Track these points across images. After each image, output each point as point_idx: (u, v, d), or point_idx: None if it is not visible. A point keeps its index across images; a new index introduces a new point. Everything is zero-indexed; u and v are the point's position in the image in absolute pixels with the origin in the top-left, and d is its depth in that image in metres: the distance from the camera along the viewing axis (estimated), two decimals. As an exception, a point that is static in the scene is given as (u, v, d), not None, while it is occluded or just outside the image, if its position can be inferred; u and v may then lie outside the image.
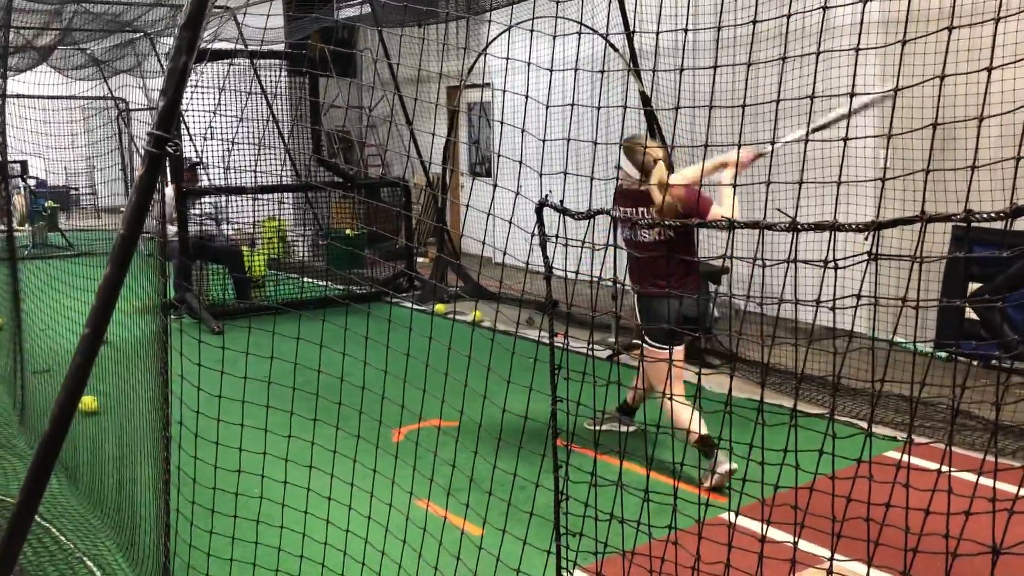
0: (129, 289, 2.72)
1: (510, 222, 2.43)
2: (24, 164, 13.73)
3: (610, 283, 6.32)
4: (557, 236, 2.25)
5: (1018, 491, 1.68)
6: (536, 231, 2.30)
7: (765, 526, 2.05)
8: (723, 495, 4.08)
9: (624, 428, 4.93)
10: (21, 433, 5.04)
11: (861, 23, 1.75)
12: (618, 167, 4.47)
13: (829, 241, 1.60)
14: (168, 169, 7.81)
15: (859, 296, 1.64)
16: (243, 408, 2.65)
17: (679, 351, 4.44)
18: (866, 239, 1.57)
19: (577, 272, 2.34)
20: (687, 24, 2.65)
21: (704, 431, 4.31)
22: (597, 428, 4.71)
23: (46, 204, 13.96)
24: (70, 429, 2.08)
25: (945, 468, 1.75)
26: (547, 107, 2.52)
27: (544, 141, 2.43)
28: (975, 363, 6.09)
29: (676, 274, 4.49)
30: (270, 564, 2.99)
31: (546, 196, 2.31)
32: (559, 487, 2.43)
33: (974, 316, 6.26)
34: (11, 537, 2.06)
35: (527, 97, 2.54)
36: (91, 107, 14.39)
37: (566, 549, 2.48)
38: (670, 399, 3.81)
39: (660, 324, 4.36)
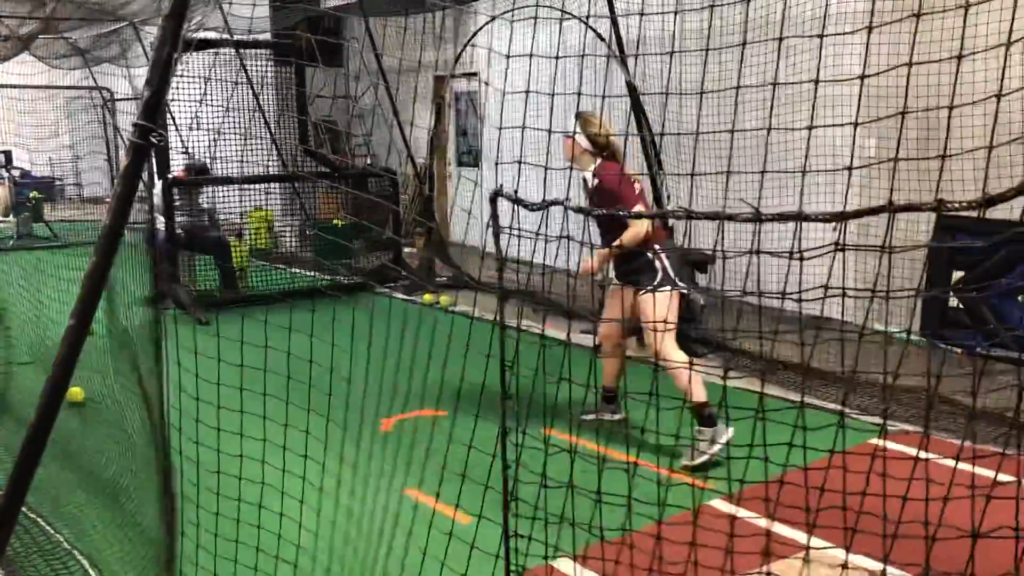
0: (117, 280, 2.72)
1: (493, 214, 2.44)
2: (8, 154, 13.63)
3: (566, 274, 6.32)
4: (510, 226, 2.26)
5: (996, 476, 1.71)
6: (491, 221, 2.32)
7: (734, 511, 2.07)
8: (701, 480, 4.10)
9: (613, 417, 4.96)
10: (5, 424, 5.02)
11: (826, 15, 1.76)
12: (572, 134, 4.67)
13: (796, 231, 1.61)
14: (155, 160, 7.78)
15: (827, 287, 1.65)
16: (242, 397, 2.65)
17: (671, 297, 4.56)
18: (834, 229, 1.58)
19: (531, 263, 2.35)
20: (677, 8, 2.66)
21: (705, 396, 4.37)
22: (578, 421, 4.73)
23: (30, 195, 13.87)
24: (56, 419, 2.09)
25: (924, 454, 1.77)
26: (526, 93, 2.52)
27: (523, 129, 2.44)
28: (957, 350, 6.14)
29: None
30: (250, 561, 2.99)
31: (500, 186, 2.33)
32: (508, 487, 2.42)
33: (957, 304, 6.31)
34: (-2, 528, 2.06)
35: (504, 92, 2.55)
36: (75, 97, 14.28)
37: (521, 540, 2.47)
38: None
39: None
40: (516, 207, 2.27)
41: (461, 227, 9.71)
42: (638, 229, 4.49)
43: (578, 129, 4.68)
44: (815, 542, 2.06)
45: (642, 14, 2.21)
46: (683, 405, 4.24)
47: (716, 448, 4.28)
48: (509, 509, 2.39)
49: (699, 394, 4.36)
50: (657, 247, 4.58)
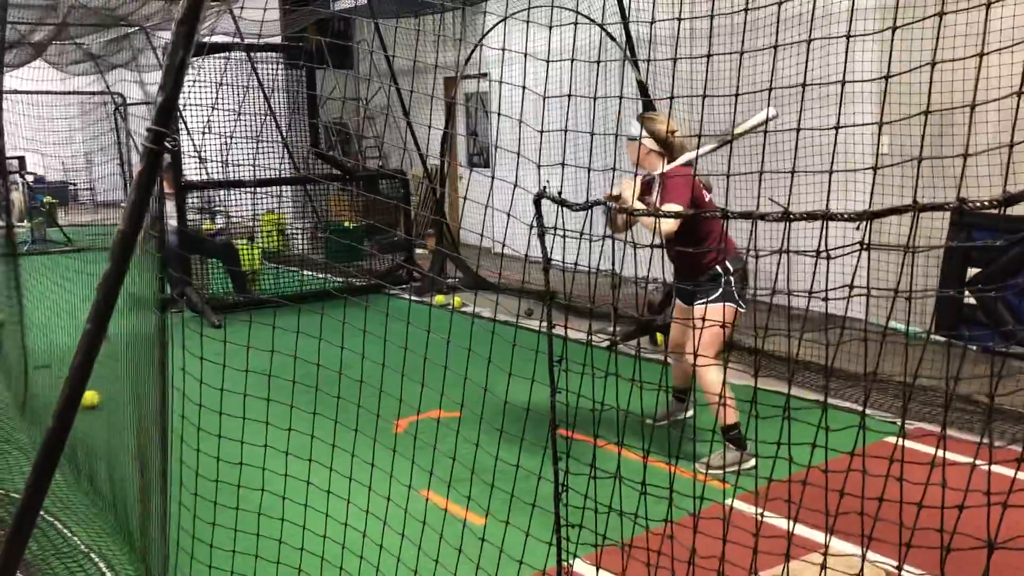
0: (131, 284, 2.73)
1: (508, 214, 2.44)
2: (22, 160, 13.72)
3: (609, 274, 6.33)
4: (555, 227, 2.26)
5: (1015, 475, 1.70)
6: (535, 222, 2.31)
7: (760, 518, 2.06)
8: (721, 481, 4.10)
9: (684, 415, 5.00)
10: (22, 427, 5.05)
11: (852, 9, 1.75)
12: (637, 139, 4.54)
13: (822, 230, 1.60)
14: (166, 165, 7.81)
15: (852, 287, 1.64)
16: (244, 401, 2.66)
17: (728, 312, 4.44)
18: (858, 228, 1.57)
19: (576, 264, 2.35)
20: (679, 13, 2.64)
21: (736, 419, 4.37)
22: (653, 425, 4.76)
23: (44, 200, 13.96)
24: (73, 424, 2.10)
25: (941, 453, 1.76)
26: (544, 97, 2.52)
27: (541, 132, 2.44)
28: (974, 348, 6.11)
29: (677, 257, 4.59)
30: (271, 556, 3.01)
31: (544, 187, 2.31)
32: (559, 479, 2.44)
33: (973, 301, 6.27)
34: (16, 531, 2.07)
35: (524, 88, 2.54)
36: (88, 102, 14.36)
37: (566, 541, 2.50)
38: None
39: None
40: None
41: (472, 228, 9.71)
42: (669, 228, 4.23)
43: (643, 132, 4.54)
44: (832, 542, 2.05)
45: (652, 21, 2.20)
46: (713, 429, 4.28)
47: (733, 469, 4.26)
48: (560, 499, 2.40)
49: (730, 417, 4.34)
50: (728, 263, 4.46)
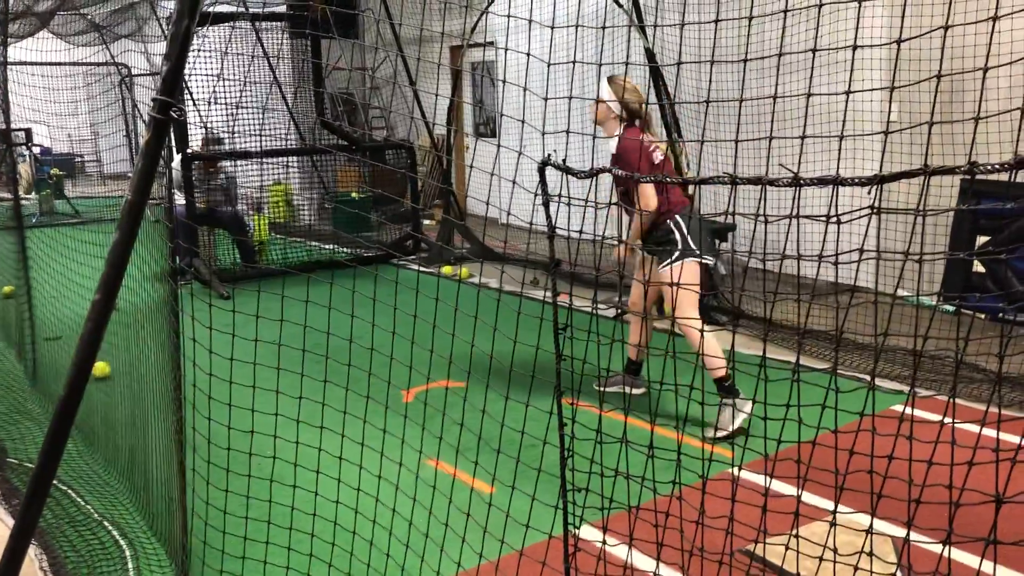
0: (137, 255, 2.74)
1: (513, 182, 2.44)
2: (28, 132, 13.70)
3: (615, 241, 6.33)
4: (560, 195, 2.26)
5: (1021, 441, 1.70)
6: (539, 190, 2.31)
7: (768, 479, 2.07)
8: (728, 449, 4.13)
9: (631, 390, 4.91)
10: (34, 398, 5.10)
11: (865, -25, 1.73)
12: (598, 100, 4.59)
13: (832, 196, 1.60)
14: (174, 136, 7.81)
15: (862, 251, 1.64)
16: (255, 370, 2.68)
17: (691, 268, 4.50)
18: (869, 193, 1.57)
19: (581, 231, 2.34)
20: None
21: (724, 368, 4.39)
22: (602, 389, 4.74)
23: (51, 172, 13.96)
24: (84, 393, 2.12)
25: (948, 420, 1.77)
26: (548, 64, 2.51)
27: (547, 100, 2.42)
28: (982, 316, 6.10)
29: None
30: (284, 523, 3.05)
31: (549, 155, 2.31)
32: (564, 444, 2.46)
33: (981, 269, 6.25)
34: (31, 500, 2.10)
35: (528, 55, 2.53)
36: (93, 73, 14.31)
37: (573, 505, 2.52)
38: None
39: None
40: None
41: (478, 197, 9.69)
42: (646, 198, 4.40)
43: (607, 93, 4.60)
44: (829, 506, 2.06)
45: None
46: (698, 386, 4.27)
47: (740, 420, 4.28)
48: (566, 465, 2.42)
49: (717, 365, 4.36)
50: (677, 217, 4.52)
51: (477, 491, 3.32)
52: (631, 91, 4.66)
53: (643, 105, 4.68)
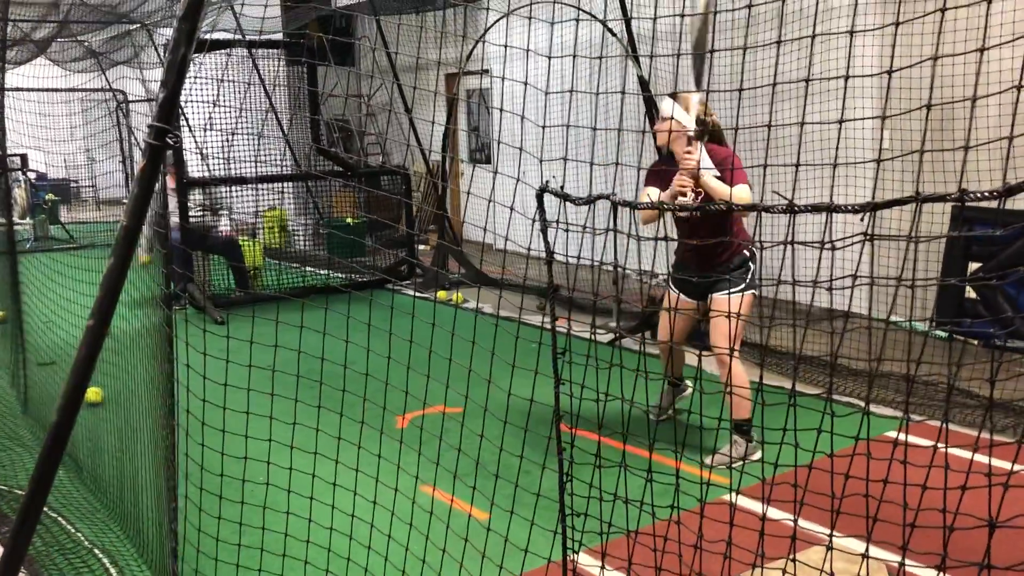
0: (129, 280, 2.74)
1: (511, 208, 2.45)
2: (24, 157, 13.72)
3: (611, 268, 6.34)
4: (558, 222, 2.27)
5: (1012, 466, 1.71)
6: (537, 217, 2.32)
7: (765, 506, 2.07)
8: (725, 476, 4.12)
9: (685, 393, 4.95)
10: (25, 424, 5.07)
11: (856, 4, 1.76)
12: (670, 118, 4.24)
13: (826, 222, 1.61)
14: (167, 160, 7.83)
15: (855, 276, 1.66)
16: (248, 396, 2.67)
17: (750, 300, 4.38)
18: (862, 220, 1.58)
19: (579, 257, 2.36)
20: (683, 9, 2.65)
21: (750, 413, 4.37)
22: (656, 420, 4.79)
23: (46, 197, 13.97)
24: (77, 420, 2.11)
25: (941, 445, 1.77)
26: (546, 93, 2.53)
27: (544, 127, 2.45)
28: (975, 342, 6.11)
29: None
30: (277, 550, 3.02)
31: (547, 182, 2.32)
32: (563, 469, 2.45)
33: (973, 295, 6.28)
34: (21, 528, 2.08)
35: (526, 84, 2.55)
36: (90, 99, 14.36)
37: (571, 530, 2.51)
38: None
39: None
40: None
41: (473, 223, 9.74)
42: (745, 199, 4.04)
43: (677, 113, 4.20)
44: (825, 531, 2.06)
45: (654, 17, 2.20)
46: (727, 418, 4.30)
47: (741, 464, 4.28)
48: (565, 489, 2.41)
49: (745, 406, 4.33)
50: (752, 249, 4.33)
51: (474, 517, 3.30)
52: (700, 105, 4.29)
53: (715, 119, 4.39)
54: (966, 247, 6.28)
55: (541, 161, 2.35)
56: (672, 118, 4.21)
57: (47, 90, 11.46)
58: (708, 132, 4.28)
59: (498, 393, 2.69)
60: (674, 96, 4.33)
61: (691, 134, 4.19)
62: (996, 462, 1.73)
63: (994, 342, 5.86)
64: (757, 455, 4.28)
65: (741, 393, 4.19)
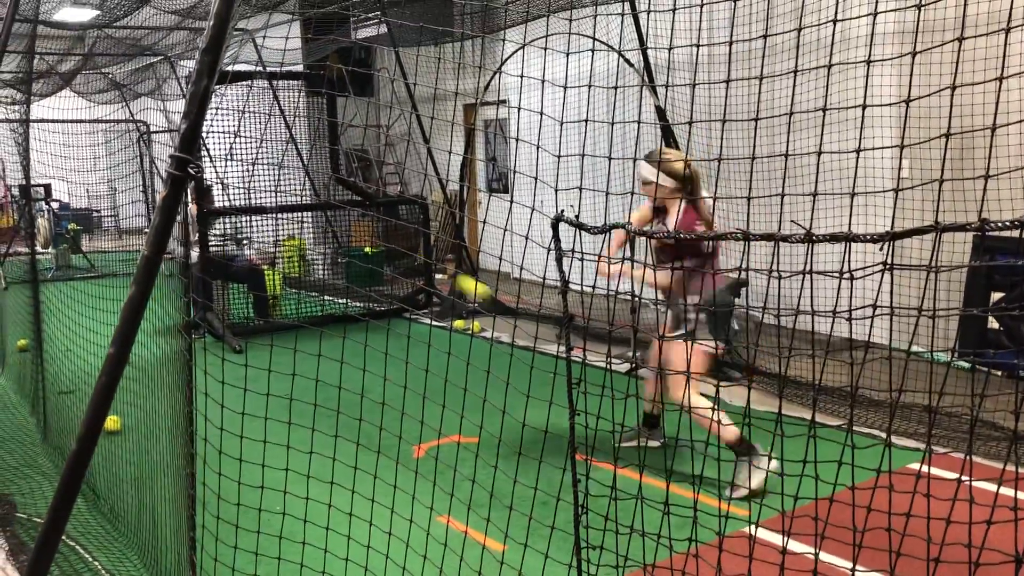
0: (151, 310, 2.76)
1: (527, 237, 2.45)
2: (48, 187, 13.92)
3: (628, 296, 6.33)
4: (573, 251, 2.27)
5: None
6: (552, 246, 2.32)
7: (786, 539, 2.04)
8: (744, 508, 4.06)
9: (650, 442, 4.90)
10: (45, 452, 5.09)
11: (872, 35, 1.76)
12: (654, 182, 4.38)
13: (844, 252, 1.60)
14: (189, 190, 7.91)
15: (876, 307, 1.64)
16: (265, 425, 2.67)
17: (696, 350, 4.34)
18: (881, 249, 1.57)
19: (594, 287, 2.35)
20: (699, 39, 2.66)
21: (735, 432, 4.32)
22: (618, 445, 4.70)
23: (69, 226, 14.13)
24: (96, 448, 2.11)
25: (966, 478, 1.74)
26: (562, 123, 2.54)
27: (559, 157, 2.45)
28: (999, 373, 6.04)
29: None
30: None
31: (562, 211, 2.32)
32: (578, 501, 2.43)
33: (996, 325, 6.21)
34: (39, 556, 2.08)
35: (542, 114, 2.56)
36: (113, 130, 14.58)
37: (587, 563, 2.48)
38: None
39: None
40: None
41: (491, 253, 9.78)
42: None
43: (654, 176, 4.35)
44: (847, 565, 2.03)
45: (671, 47, 2.22)
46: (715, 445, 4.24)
47: (758, 478, 4.21)
48: (580, 522, 2.39)
49: (730, 434, 4.30)
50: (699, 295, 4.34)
51: (489, 549, 3.27)
52: (676, 159, 4.44)
53: (690, 165, 4.46)
54: (988, 276, 6.22)
55: (556, 190, 2.35)
56: (656, 183, 4.37)
57: (71, 121, 11.64)
58: (690, 183, 4.38)
59: (513, 423, 2.68)
60: (648, 158, 4.51)
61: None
62: (1022, 495, 1.70)
63: (1018, 372, 5.78)
64: (766, 463, 4.19)
65: (700, 417, 4.17)
